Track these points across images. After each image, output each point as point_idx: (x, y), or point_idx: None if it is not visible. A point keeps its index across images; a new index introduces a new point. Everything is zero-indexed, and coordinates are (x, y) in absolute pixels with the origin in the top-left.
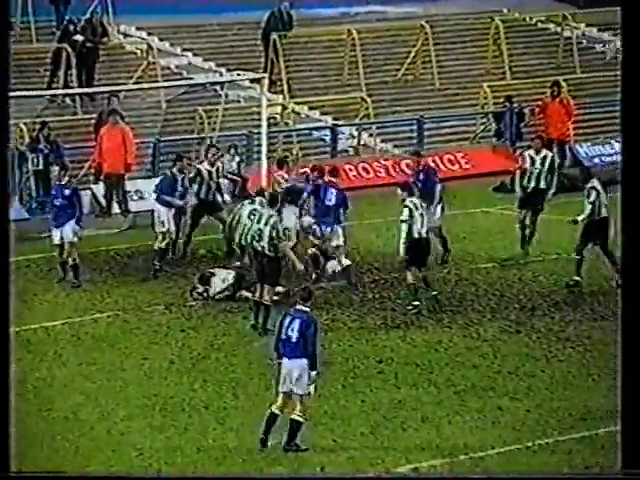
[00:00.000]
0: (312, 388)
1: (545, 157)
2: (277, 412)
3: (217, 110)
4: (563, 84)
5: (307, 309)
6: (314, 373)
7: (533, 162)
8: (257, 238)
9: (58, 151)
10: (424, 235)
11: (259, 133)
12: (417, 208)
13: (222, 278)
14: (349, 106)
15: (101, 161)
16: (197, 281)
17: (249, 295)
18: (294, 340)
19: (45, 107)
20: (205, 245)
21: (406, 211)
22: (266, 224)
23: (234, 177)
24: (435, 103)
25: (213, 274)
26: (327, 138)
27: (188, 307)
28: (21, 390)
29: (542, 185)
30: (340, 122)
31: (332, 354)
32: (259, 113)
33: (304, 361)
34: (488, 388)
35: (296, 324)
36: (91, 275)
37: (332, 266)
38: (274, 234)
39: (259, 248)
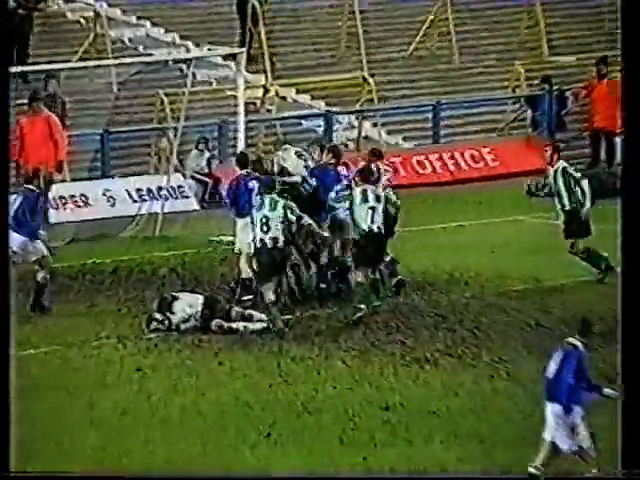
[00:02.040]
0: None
1: (556, 171)
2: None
3: (182, 94)
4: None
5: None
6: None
7: (547, 176)
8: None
9: None
10: (375, 230)
11: (235, 122)
12: (366, 200)
13: (188, 303)
14: (347, 89)
15: (23, 160)
16: (156, 307)
17: (232, 325)
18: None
19: None
20: (169, 262)
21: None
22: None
23: (202, 177)
24: (454, 85)
25: (176, 298)
26: (320, 129)
27: (145, 340)
28: None
29: (567, 206)
30: (336, 108)
31: (326, 400)
32: (235, 97)
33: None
34: (521, 441)
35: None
36: (24, 300)
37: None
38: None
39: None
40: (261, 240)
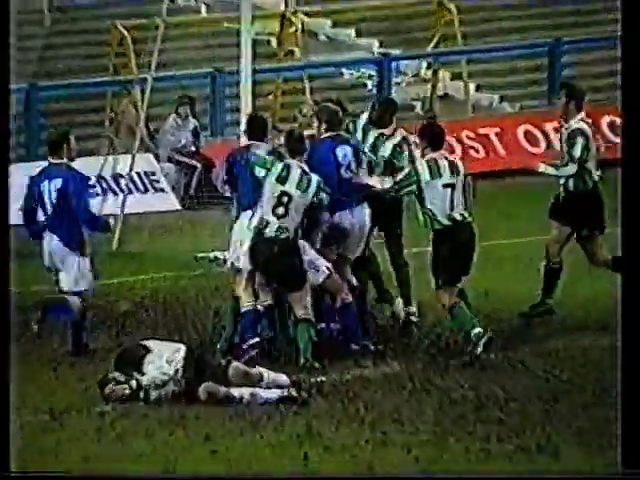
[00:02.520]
0: None
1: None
2: None
3: (154, 27)
4: None
5: None
6: None
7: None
8: None
9: None
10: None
11: (236, 72)
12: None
13: (164, 357)
14: (414, 20)
15: None
16: (114, 363)
17: (231, 392)
18: None
19: None
20: (133, 293)
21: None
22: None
23: (185, 159)
24: (582, 15)
25: (146, 350)
26: (370, 83)
27: (96, 416)
28: None
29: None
30: (396, 51)
31: None
32: (237, 33)
33: None
34: None
35: None
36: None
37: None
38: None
39: None
40: (278, 228)
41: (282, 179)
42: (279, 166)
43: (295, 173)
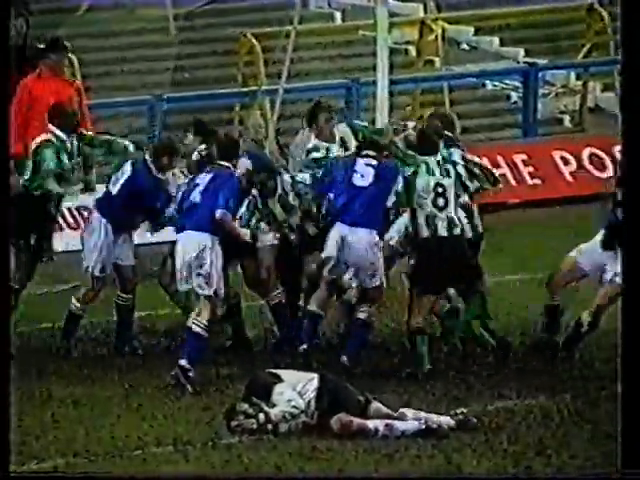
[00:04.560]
0: None
1: None
2: None
3: (284, 36)
4: None
5: None
6: None
7: None
8: None
9: None
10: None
11: (372, 83)
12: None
13: (296, 388)
14: (562, 27)
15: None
16: (243, 395)
17: (367, 424)
18: None
19: None
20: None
21: None
22: None
23: None
24: None
25: (277, 379)
26: (515, 94)
27: (223, 448)
28: None
29: None
30: (543, 60)
31: None
32: (373, 41)
33: None
34: None
35: None
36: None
37: None
38: None
39: None
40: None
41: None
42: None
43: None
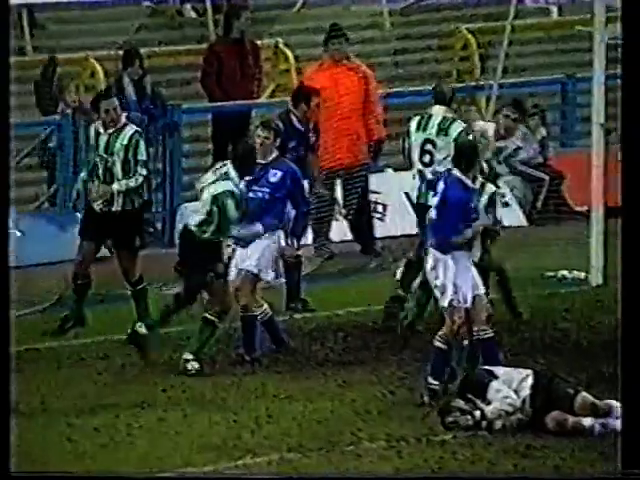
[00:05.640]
0: None
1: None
2: None
3: (502, 32)
4: None
5: None
6: None
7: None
8: None
9: None
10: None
11: (588, 79)
12: None
13: (512, 385)
14: None
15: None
16: (457, 390)
17: (581, 422)
18: None
19: None
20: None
21: None
22: None
23: (533, 172)
24: None
25: (493, 376)
26: None
27: (437, 445)
28: None
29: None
30: None
31: None
32: (589, 37)
33: None
34: None
35: None
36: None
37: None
38: None
39: None
40: None
41: None
42: None
43: None
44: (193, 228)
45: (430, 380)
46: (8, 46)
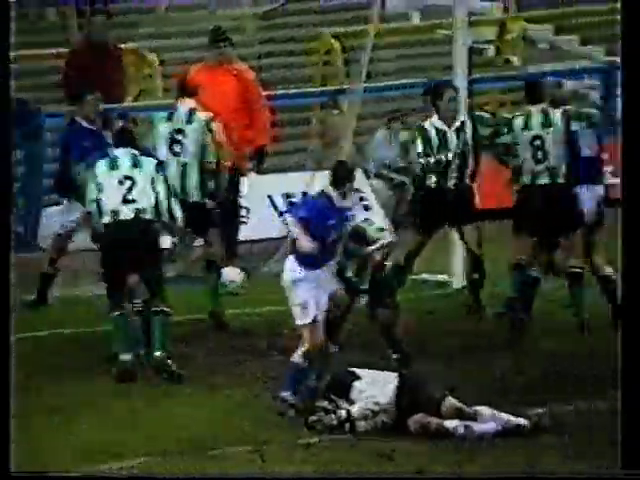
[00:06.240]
0: None
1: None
2: None
3: (365, 36)
4: None
5: None
6: None
7: None
8: None
9: None
10: None
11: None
12: None
13: (376, 386)
14: None
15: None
16: (322, 391)
17: (445, 425)
18: None
19: None
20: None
21: None
22: None
23: (397, 177)
24: None
25: (355, 377)
26: (594, 94)
27: (299, 447)
28: None
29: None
30: None
31: None
32: (450, 42)
33: None
34: None
35: None
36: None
37: None
38: None
39: None
40: None
41: None
42: None
43: None
44: None
45: (283, 394)
46: (8, 43)
